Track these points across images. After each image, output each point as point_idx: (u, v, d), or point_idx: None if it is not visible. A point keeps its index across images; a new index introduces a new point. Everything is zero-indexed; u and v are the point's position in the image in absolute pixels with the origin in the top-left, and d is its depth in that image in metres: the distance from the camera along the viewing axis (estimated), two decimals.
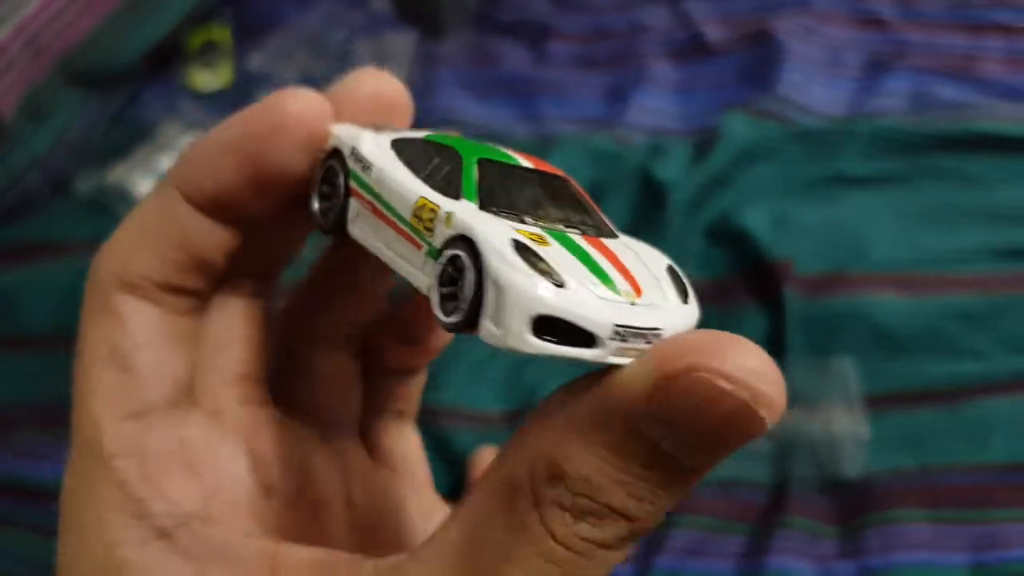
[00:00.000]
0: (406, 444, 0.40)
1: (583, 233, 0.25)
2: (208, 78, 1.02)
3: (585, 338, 0.21)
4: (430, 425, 0.68)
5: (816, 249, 0.74)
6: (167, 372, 0.29)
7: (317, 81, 1.02)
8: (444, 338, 0.38)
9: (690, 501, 0.64)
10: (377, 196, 0.26)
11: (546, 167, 0.27)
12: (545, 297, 0.21)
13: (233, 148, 0.28)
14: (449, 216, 0.23)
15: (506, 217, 0.24)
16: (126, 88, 1.00)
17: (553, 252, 0.22)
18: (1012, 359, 0.68)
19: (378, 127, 0.31)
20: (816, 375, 0.68)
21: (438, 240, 0.23)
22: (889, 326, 0.70)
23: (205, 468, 0.30)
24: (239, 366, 0.32)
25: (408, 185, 0.25)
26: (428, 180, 0.25)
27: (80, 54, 0.96)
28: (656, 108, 0.91)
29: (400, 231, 0.25)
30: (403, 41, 1.02)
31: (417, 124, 0.96)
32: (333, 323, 0.36)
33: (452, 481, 0.67)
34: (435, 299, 0.23)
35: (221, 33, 1.06)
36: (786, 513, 0.63)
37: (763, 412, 0.20)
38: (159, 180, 0.30)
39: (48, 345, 0.79)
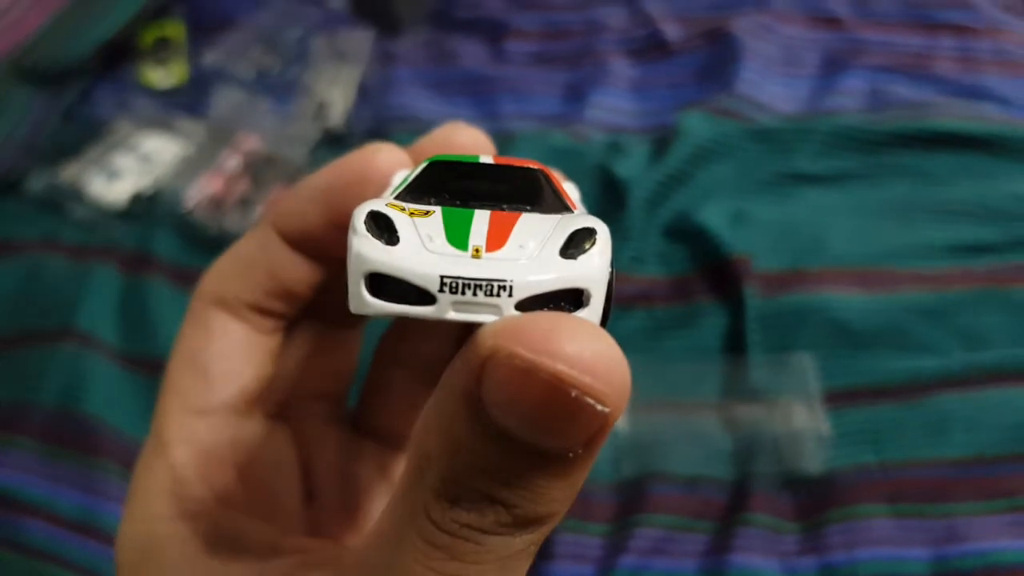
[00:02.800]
0: None
1: (498, 209, 0.24)
2: (161, 75, 1.01)
3: (424, 296, 0.21)
4: None
5: (774, 245, 0.75)
6: (239, 381, 0.33)
7: (272, 78, 1.03)
8: None
9: (653, 499, 0.64)
10: None
11: (517, 162, 0.26)
12: (369, 255, 0.21)
13: (322, 192, 0.31)
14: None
15: (409, 202, 0.24)
16: (77, 85, 0.98)
17: (419, 221, 0.22)
18: (968, 354, 0.69)
19: None
20: (776, 371, 0.68)
21: None
22: (847, 322, 0.70)
23: (252, 467, 0.33)
24: (314, 385, 0.35)
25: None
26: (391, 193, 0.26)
27: (29, 51, 0.94)
28: (614, 106, 0.91)
29: None
30: (359, 39, 1.01)
31: (375, 122, 0.95)
32: (412, 350, 0.37)
33: None
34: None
35: (175, 29, 1.04)
36: (748, 510, 0.63)
37: (575, 393, 0.19)
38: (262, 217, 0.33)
39: (0, 347, 0.77)
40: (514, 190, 0.25)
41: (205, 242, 0.82)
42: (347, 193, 0.30)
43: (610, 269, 0.22)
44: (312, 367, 0.35)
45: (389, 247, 0.21)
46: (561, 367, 0.19)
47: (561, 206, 0.25)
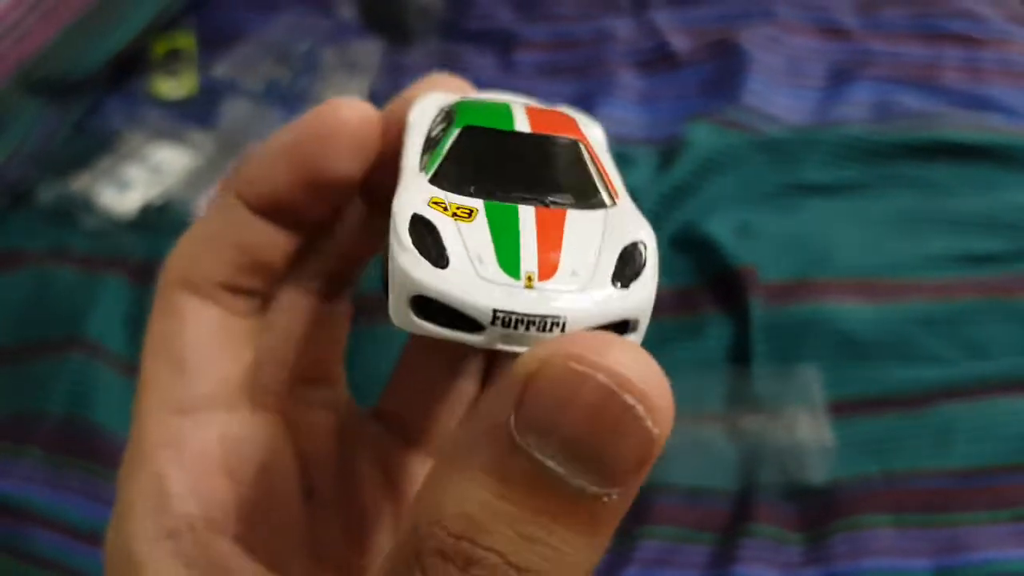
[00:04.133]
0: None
1: (542, 205, 0.22)
2: (172, 86, 1.02)
3: (474, 324, 0.20)
4: None
5: (780, 257, 0.75)
6: (219, 371, 0.30)
7: (282, 89, 1.03)
8: None
9: (657, 511, 0.64)
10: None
11: (555, 128, 0.25)
12: (420, 278, 0.20)
13: (287, 153, 0.28)
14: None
15: (449, 190, 0.22)
16: (88, 97, 0.99)
17: (465, 227, 0.21)
18: (973, 364, 0.69)
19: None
20: (780, 382, 0.68)
21: None
22: (853, 332, 0.70)
23: (243, 469, 0.30)
24: (303, 368, 0.32)
25: (410, 159, 0.24)
26: (423, 150, 0.24)
27: (40, 63, 0.95)
28: (622, 117, 0.92)
29: None
30: (369, 50, 1.02)
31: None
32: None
33: None
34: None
35: (185, 41, 1.05)
36: (752, 521, 0.63)
37: (631, 401, 0.18)
38: (223, 181, 0.31)
39: (8, 358, 0.77)
40: (556, 173, 0.23)
41: None
42: (315, 149, 0.28)
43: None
44: (297, 348, 0.32)
45: (438, 270, 0.20)
46: (619, 368, 0.17)
47: (604, 193, 0.23)
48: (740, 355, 0.70)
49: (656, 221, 0.79)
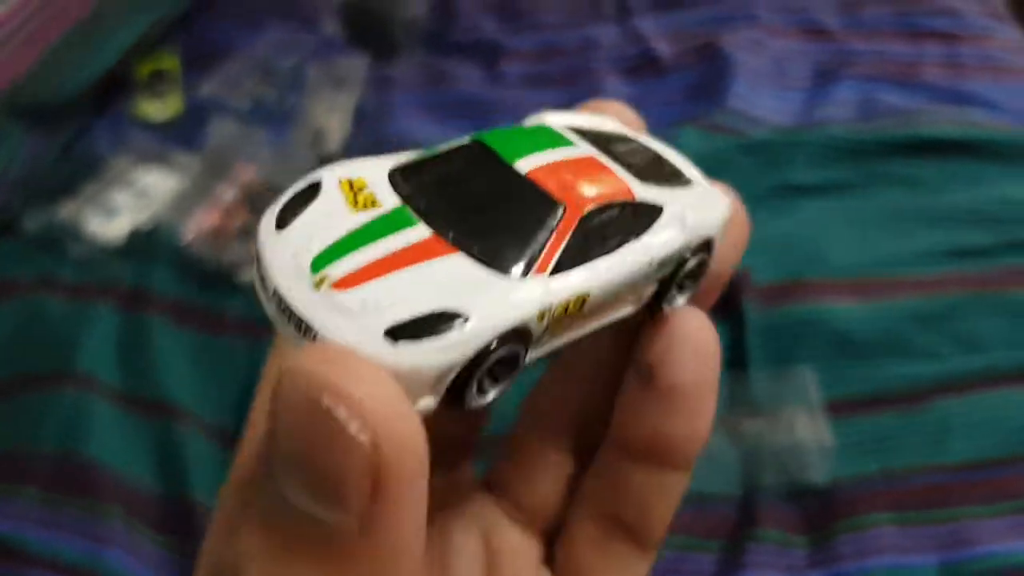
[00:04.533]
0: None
1: (443, 237, 0.21)
2: (157, 108, 1.01)
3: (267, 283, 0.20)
4: None
5: (772, 258, 0.75)
6: None
7: (268, 107, 1.03)
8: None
9: None
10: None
11: (553, 182, 0.23)
12: (259, 229, 0.20)
13: None
14: None
15: (395, 181, 0.22)
16: (72, 121, 0.98)
17: (344, 211, 0.21)
18: (966, 358, 0.70)
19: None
20: (777, 384, 0.68)
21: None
22: (847, 332, 0.71)
23: None
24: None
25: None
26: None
27: (23, 88, 0.94)
28: None
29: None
30: (355, 65, 1.01)
31: (373, 147, 0.95)
32: (555, 403, 0.31)
33: None
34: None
35: (169, 62, 1.05)
36: (756, 526, 0.63)
37: (343, 416, 0.16)
38: None
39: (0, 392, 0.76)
40: (504, 221, 0.22)
41: (205, 276, 0.81)
42: None
43: (467, 367, 0.19)
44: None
45: (275, 228, 0.20)
46: (338, 382, 0.16)
47: (518, 262, 0.21)
48: (736, 359, 0.71)
49: None
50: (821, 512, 0.64)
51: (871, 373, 0.69)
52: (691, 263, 0.25)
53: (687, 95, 0.94)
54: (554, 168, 0.23)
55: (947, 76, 0.92)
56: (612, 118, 0.29)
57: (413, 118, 0.96)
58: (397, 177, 0.22)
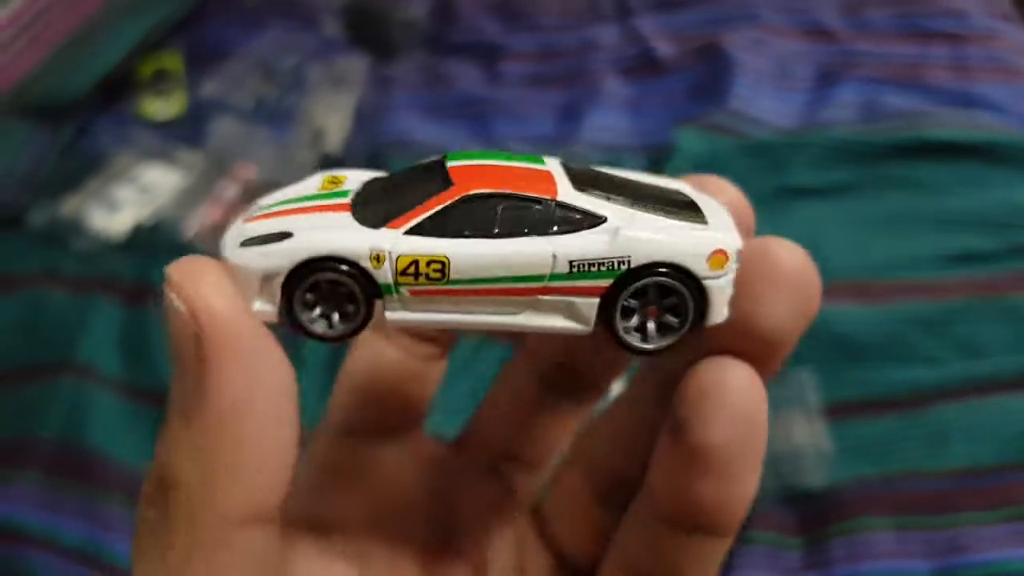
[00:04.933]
0: None
1: (352, 206, 0.25)
2: (160, 106, 1.02)
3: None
4: None
5: None
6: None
7: (269, 106, 1.03)
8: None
9: None
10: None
11: (470, 175, 0.26)
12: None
13: None
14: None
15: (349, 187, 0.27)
16: (77, 119, 0.99)
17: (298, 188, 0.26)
18: (966, 364, 0.69)
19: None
20: (774, 387, 0.68)
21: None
22: (846, 335, 0.70)
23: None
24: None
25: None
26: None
27: (28, 86, 0.95)
28: (609, 125, 0.92)
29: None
30: (355, 65, 1.02)
31: (372, 147, 0.95)
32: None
33: None
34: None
35: (172, 61, 1.05)
36: (750, 527, 0.63)
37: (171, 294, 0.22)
38: None
39: (2, 382, 0.77)
40: (402, 196, 0.25)
41: None
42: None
43: (277, 279, 0.24)
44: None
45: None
46: (171, 274, 0.22)
47: (381, 219, 0.25)
48: None
49: None
50: (816, 515, 0.63)
51: (871, 377, 0.69)
52: (639, 283, 0.24)
53: (687, 95, 0.93)
54: (481, 168, 0.26)
55: (952, 78, 0.91)
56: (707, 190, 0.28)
57: (412, 118, 0.96)
58: (370, 178, 0.26)
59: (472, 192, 0.24)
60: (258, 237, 0.24)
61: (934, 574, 0.60)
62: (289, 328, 0.24)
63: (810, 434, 0.66)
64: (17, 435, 0.73)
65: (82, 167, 0.93)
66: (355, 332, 0.25)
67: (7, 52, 0.91)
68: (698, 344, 0.24)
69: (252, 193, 0.88)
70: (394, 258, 0.24)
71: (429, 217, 0.24)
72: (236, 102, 1.00)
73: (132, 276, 0.83)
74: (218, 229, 0.84)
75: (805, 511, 0.64)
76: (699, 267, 0.24)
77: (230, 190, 0.88)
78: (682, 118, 0.89)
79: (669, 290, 0.24)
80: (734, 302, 0.24)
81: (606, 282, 0.24)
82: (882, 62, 0.94)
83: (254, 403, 0.22)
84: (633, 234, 0.24)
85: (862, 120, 0.87)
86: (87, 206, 0.88)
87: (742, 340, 0.24)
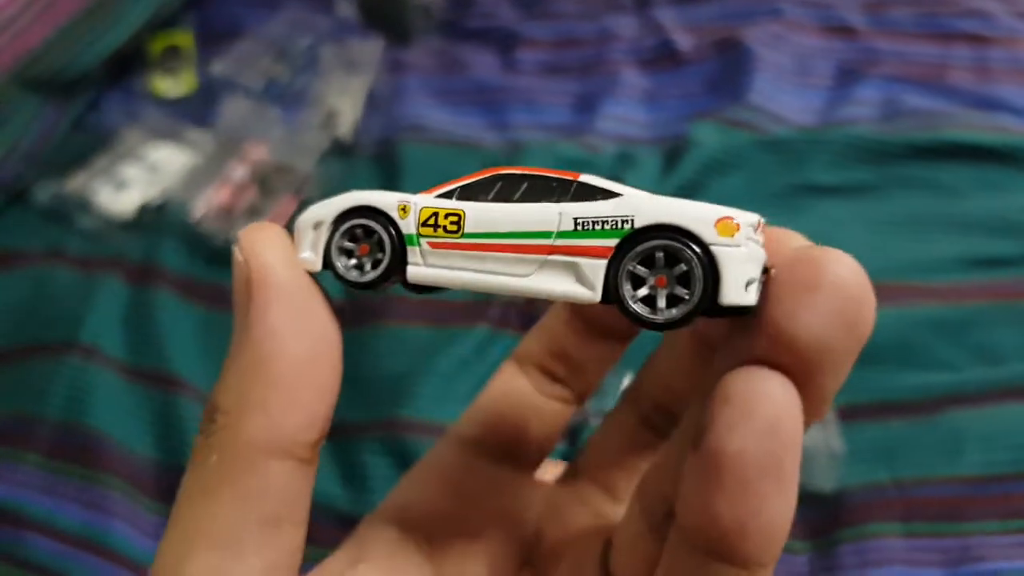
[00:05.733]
0: None
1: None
2: (170, 84, 1.01)
3: None
4: (398, 440, 0.67)
5: None
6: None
7: (280, 87, 1.02)
8: None
9: None
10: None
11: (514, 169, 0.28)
12: None
13: None
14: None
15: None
16: (85, 94, 0.98)
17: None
18: (983, 370, 0.68)
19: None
20: None
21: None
22: None
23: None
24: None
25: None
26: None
27: (37, 59, 0.94)
28: (625, 116, 0.91)
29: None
30: (369, 48, 1.01)
31: (384, 131, 0.95)
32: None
33: None
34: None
35: (183, 39, 1.04)
36: None
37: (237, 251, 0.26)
38: None
39: (5, 360, 0.76)
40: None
41: (213, 252, 0.82)
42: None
43: (321, 229, 0.28)
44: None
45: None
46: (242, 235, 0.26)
47: (425, 192, 0.29)
48: None
49: None
50: (825, 519, 0.63)
51: (884, 380, 0.68)
52: (645, 246, 0.24)
53: (705, 89, 0.92)
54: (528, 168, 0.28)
55: (975, 79, 0.90)
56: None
57: (426, 103, 0.95)
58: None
59: (503, 172, 0.27)
60: (319, 202, 0.28)
61: None
62: (332, 274, 0.28)
63: (822, 436, 0.65)
64: (19, 414, 0.73)
65: (90, 144, 0.92)
66: (382, 280, 0.28)
67: (16, 25, 0.90)
68: (729, 347, 0.23)
69: (261, 174, 0.87)
70: (418, 209, 0.27)
71: (460, 187, 0.28)
72: (247, 82, 0.99)
73: (138, 256, 0.82)
74: (226, 210, 0.84)
75: (814, 515, 0.63)
76: (706, 232, 0.23)
77: (239, 171, 0.87)
78: (699, 111, 0.88)
79: (677, 259, 0.24)
80: (768, 300, 0.22)
81: (611, 242, 0.24)
82: (904, 61, 0.93)
83: (290, 342, 0.25)
84: (639, 198, 0.25)
85: (882, 119, 0.86)
86: (94, 184, 0.87)
87: (778, 350, 0.22)
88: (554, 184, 0.26)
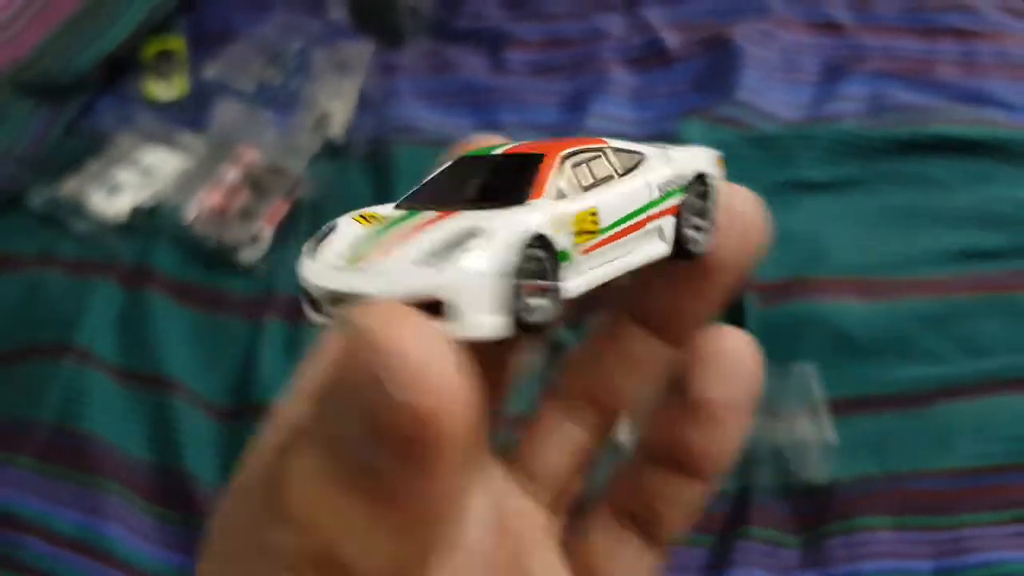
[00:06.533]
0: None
1: (451, 209, 0.23)
2: (163, 88, 1.01)
3: (320, 306, 0.22)
4: None
5: (775, 255, 0.73)
6: None
7: (273, 90, 1.03)
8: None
9: None
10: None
11: (523, 149, 0.27)
12: (301, 269, 0.23)
13: None
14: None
15: (403, 205, 0.26)
16: (79, 99, 0.98)
17: (359, 230, 0.24)
18: (972, 362, 0.68)
19: None
20: (778, 382, 0.67)
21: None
22: (849, 331, 0.70)
23: None
24: None
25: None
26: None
27: (30, 64, 0.94)
28: (614, 115, 0.91)
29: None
30: (360, 50, 1.01)
31: (376, 133, 0.95)
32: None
33: None
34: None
35: (176, 43, 1.05)
36: (749, 523, 0.62)
37: (381, 371, 0.16)
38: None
39: None
40: (497, 182, 0.25)
41: (205, 255, 0.82)
42: None
43: (511, 276, 0.21)
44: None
45: (309, 263, 0.23)
46: (376, 338, 0.16)
47: (521, 195, 0.24)
48: None
49: None
50: (816, 512, 0.63)
51: (872, 373, 0.68)
52: (692, 194, 0.28)
53: (694, 86, 0.93)
54: (519, 147, 0.27)
55: (961, 74, 0.90)
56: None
57: (417, 105, 0.95)
58: (401, 203, 0.26)
59: (564, 152, 0.26)
60: (437, 249, 0.21)
61: (936, 574, 0.59)
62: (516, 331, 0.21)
63: (815, 429, 0.65)
64: (14, 417, 0.73)
65: (83, 148, 0.93)
66: (559, 315, 0.23)
67: (10, 29, 0.90)
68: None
69: (254, 177, 0.87)
70: (566, 221, 0.23)
71: (553, 182, 0.25)
72: (239, 85, 0.99)
73: (131, 259, 0.82)
74: (218, 212, 0.84)
75: (805, 508, 0.63)
76: (716, 172, 0.29)
77: (232, 173, 0.87)
78: (688, 109, 0.89)
79: (705, 197, 0.28)
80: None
81: (678, 199, 0.28)
82: (890, 57, 0.93)
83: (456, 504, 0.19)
84: (675, 156, 0.29)
85: (869, 114, 0.86)
86: (87, 187, 0.87)
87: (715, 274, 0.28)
88: (603, 156, 0.27)
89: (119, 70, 1.02)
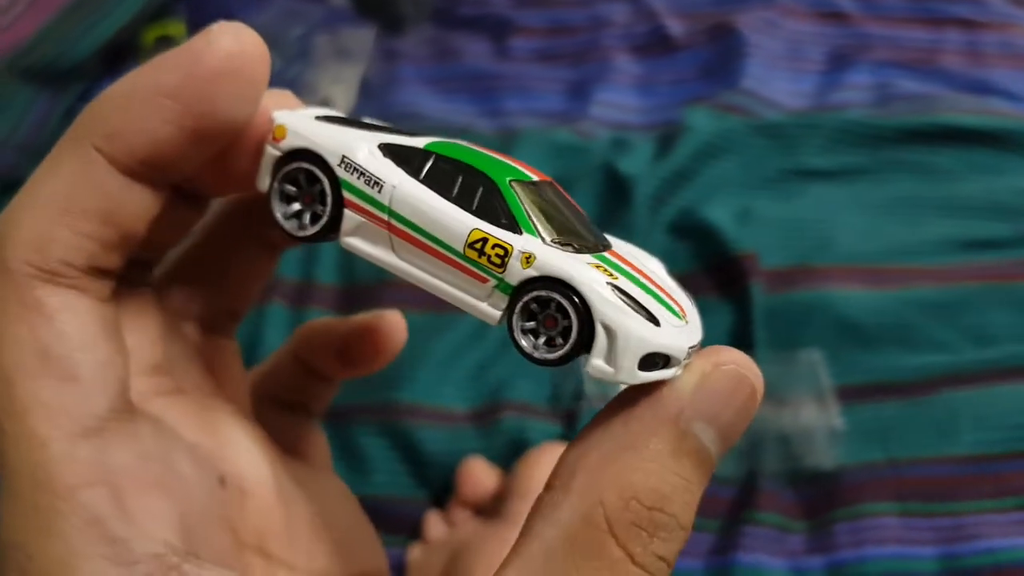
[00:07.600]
0: (318, 440, 0.39)
1: (604, 249, 0.26)
2: None
3: (668, 361, 0.24)
4: (395, 423, 0.67)
5: (781, 242, 0.74)
6: (111, 375, 0.25)
7: (273, 77, 1.01)
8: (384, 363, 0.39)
9: None
10: (403, 219, 0.25)
11: (536, 173, 0.27)
12: (651, 338, 0.23)
13: (171, 95, 0.24)
14: (528, 257, 0.24)
15: (571, 252, 0.25)
16: (79, 85, 0.98)
17: (629, 287, 0.24)
18: (977, 350, 0.68)
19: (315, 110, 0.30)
20: (784, 367, 0.67)
21: (513, 277, 0.24)
22: (855, 318, 0.70)
23: (169, 481, 0.26)
24: (150, 355, 0.29)
25: (450, 214, 0.25)
26: (466, 206, 0.25)
27: (29, 50, 0.94)
28: (619, 103, 0.91)
29: (449, 261, 0.24)
30: (362, 36, 1.00)
31: (378, 118, 0.94)
32: (212, 305, 0.32)
33: (417, 479, 0.66)
34: (518, 332, 0.24)
35: (176, 28, 1.04)
36: (755, 508, 0.62)
37: (759, 391, 0.25)
38: (65, 139, 0.25)
39: None
40: (575, 215, 0.27)
41: None
42: (207, 89, 0.24)
43: None
44: (140, 332, 0.28)
45: (657, 328, 0.23)
46: (755, 368, 0.25)
47: (591, 226, 0.28)
48: (741, 341, 0.70)
49: (655, 207, 0.78)
50: (822, 498, 0.63)
51: (877, 361, 0.68)
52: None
53: (699, 74, 0.93)
54: (506, 157, 0.28)
55: (967, 64, 0.91)
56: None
57: (419, 91, 0.95)
58: (563, 243, 0.25)
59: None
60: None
61: (940, 560, 0.59)
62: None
63: (822, 415, 0.65)
64: None
65: None
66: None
67: (9, 15, 0.90)
68: None
69: None
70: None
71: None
72: None
73: None
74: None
75: (810, 494, 0.64)
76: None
77: None
78: (692, 97, 0.89)
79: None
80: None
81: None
82: (895, 46, 0.93)
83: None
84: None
85: (875, 104, 0.86)
86: None
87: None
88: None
89: (119, 56, 1.02)
